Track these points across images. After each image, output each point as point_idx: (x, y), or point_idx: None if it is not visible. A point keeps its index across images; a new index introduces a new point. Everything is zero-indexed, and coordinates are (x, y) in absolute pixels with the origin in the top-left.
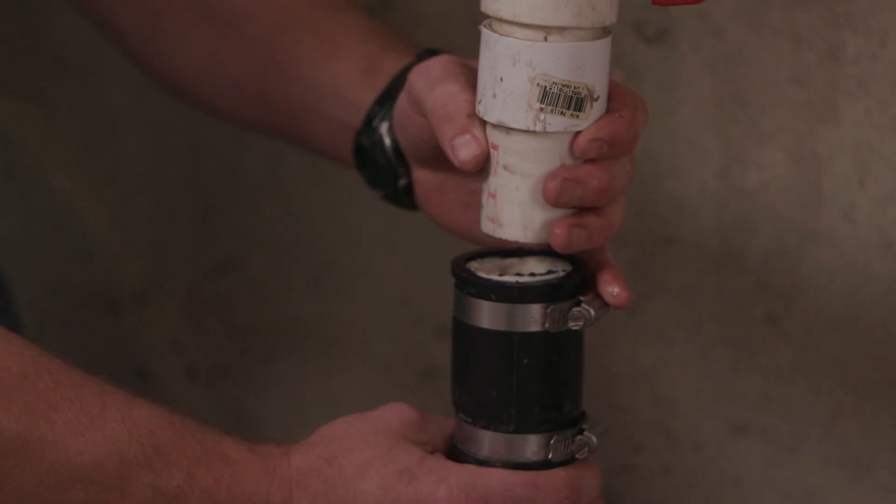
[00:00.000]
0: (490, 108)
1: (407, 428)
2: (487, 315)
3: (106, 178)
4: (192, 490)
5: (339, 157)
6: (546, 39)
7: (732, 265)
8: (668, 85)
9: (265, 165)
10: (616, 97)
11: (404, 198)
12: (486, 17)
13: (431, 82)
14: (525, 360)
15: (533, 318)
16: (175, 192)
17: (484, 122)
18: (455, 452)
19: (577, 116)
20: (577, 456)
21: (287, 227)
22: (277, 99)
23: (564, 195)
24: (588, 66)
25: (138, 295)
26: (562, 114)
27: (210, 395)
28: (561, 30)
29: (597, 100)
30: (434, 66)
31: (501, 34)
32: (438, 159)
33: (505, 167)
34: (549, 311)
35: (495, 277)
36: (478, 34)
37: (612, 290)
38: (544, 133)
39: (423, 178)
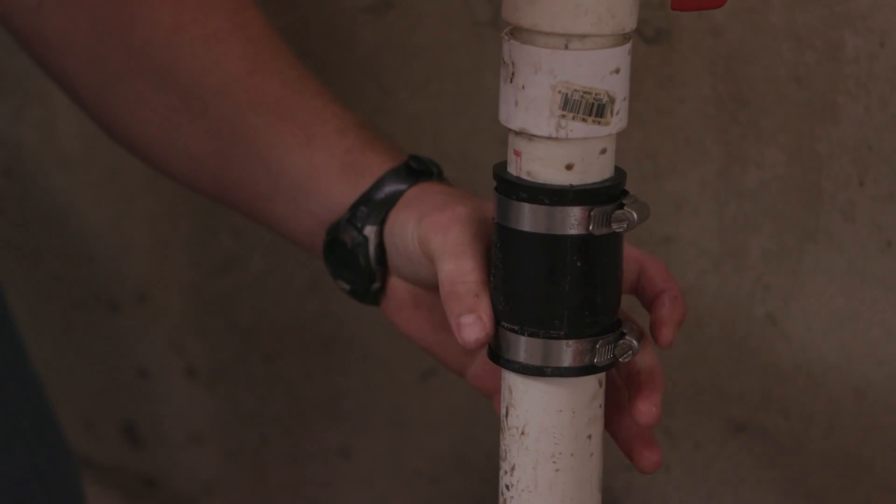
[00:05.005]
0: (512, 116)
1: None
2: (539, 220)
3: (106, 178)
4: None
5: (301, 244)
6: (567, 47)
7: (732, 265)
8: (668, 85)
9: None
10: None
11: (369, 297)
12: (507, 24)
13: (447, 251)
14: (578, 263)
15: (580, 220)
16: (175, 192)
17: (491, 300)
18: (497, 360)
19: (599, 123)
20: (620, 360)
21: None
22: (241, 178)
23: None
24: (609, 72)
25: (139, 295)
26: (584, 120)
27: (210, 395)
28: (581, 37)
29: (618, 106)
30: (452, 230)
31: (522, 42)
32: (429, 281)
33: (528, 174)
34: (592, 213)
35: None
36: (476, 34)
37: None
38: (567, 139)
39: (400, 287)
